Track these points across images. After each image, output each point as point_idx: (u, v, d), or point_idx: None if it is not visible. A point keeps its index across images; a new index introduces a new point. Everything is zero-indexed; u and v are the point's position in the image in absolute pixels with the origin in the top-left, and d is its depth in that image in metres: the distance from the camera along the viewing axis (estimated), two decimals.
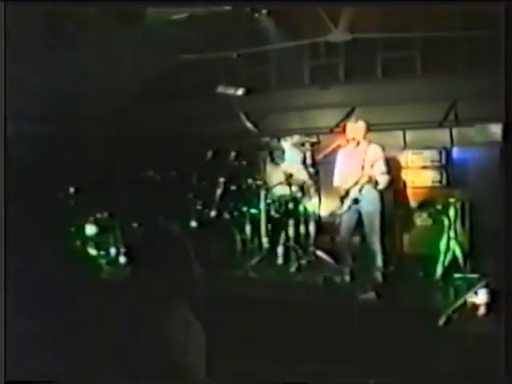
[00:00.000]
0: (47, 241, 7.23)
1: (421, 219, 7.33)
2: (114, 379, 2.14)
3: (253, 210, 7.75)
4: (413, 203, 7.44)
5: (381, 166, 6.29)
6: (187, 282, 2.26)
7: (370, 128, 6.53)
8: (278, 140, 8.46)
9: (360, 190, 6.28)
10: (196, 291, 2.26)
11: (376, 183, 6.26)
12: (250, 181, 7.87)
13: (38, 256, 6.66)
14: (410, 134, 7.76)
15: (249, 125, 8.99)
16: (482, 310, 5.03)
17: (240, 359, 3.89)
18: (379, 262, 6.35)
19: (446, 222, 6.40)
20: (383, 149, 6.46)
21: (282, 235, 7.47)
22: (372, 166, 6.24)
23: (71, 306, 4.94)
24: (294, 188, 7.43)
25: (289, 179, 7.44)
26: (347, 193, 6.35)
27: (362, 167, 6.28)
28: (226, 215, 7.87)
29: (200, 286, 2.28)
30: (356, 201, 6.30)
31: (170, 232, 2.69)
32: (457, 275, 6.24)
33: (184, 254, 2.35)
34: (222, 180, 7.86)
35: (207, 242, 7.10)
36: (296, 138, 8.28)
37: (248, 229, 7.79)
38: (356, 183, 6.28)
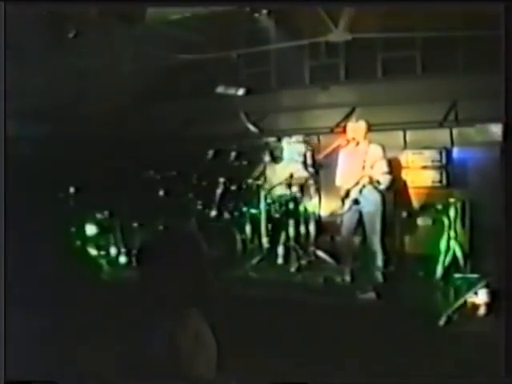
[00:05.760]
0: (47, 241, 7.23)
1: (421, 219, 7.33)
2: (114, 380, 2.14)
3: (253, 210, 7.75)
4: (413, 203, 7.44)
5: (383, 166, 6.27)
6: (201, 288, 2.23)
7: (370, 128, 6.53)
8: (278, 140, 8.46)
9: (360, 191, 6.28)
10: (210, 298, 2.23)
11: (377, 183, 6.25)
12: (249, 181, 7.87)
13: (38, 256, 6.66)
14: (410, 134, 7.76)
15: (249, 125, 8.99)
16: (482, 310, 5.04)
17: (240, 359, 3.89)
18: (379, 261, 6.35)
19: (446, 221, 6.40)
20: (384, 148, 6.45)
21: (282, 235, 7.47)
22: (373, 167, 6.23)
23: (71, 306, 4.95)
24: (294, 188, 7.43)
25: (289, 179, 7.43)
26: (348, 193, 6.35)
27: (363, 167, 6.27)
28: (226, 215, 7.87)
29: (214, 293, 2.26)
30: (356, 201, 6.30)
31: (184, 233, 2.64)
32: (457, 275, 6.24)
33: (198, 257, 2.32)
34: (221, 180, 7.86)
35: (207, 242, 7.09)
36: (296, 138, 8.28)
37: (248, 229, 7.79)
38: (357, 183, 6.28)
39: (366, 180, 6.24)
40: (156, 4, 7.20)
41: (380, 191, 6.31)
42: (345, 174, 6.54)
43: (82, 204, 8.05)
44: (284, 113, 8.73)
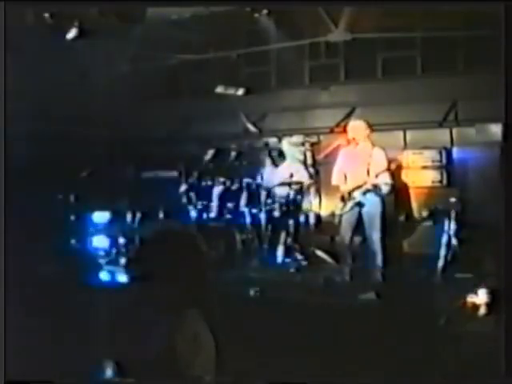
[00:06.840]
0: (47, 241, 7.23)
1: (421, 219, 7.33)
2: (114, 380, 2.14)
3: (253, 210, 7.74)
4: (413, 203, 7.44)
5: (386, 177, 6.27)
6: (201, 288, 2.23)
7: (370, 128, 6.51)
8: (278, 140, 8.46)
9: (364, 194, 6.28)
10: (210, 298, 2.23)
11: (379, 189, 6.26)
12: (249, 181, 7.86)
13: (37, 256, 6.66)
14: (410, 134, 7.77)
15: (249, 125, 8.99)
16: (482, 310, 5.03)
17: (240, 359, 3.89)
18: (379, 261, 6.34)
19: (446, 221, 6.40)
20: (386, 154, 6.42)
21: (282, 235, 7.46)
22: (377, 176, 6.21)
23: (71, 306, 4.95)
24: (294, 188, 7.42)
25: (289, 179, 7.43)
26: (350, 195, 6.33)
27: (367, 171, 6.25)
28: (226, 215, 7.86)
29: (213, 293, 2.26)
30: (359, 204, 6.30)
31: (183, 233, 2.66)
32: (457, 275, 6.24)
33: (197, 258, 2.33)
34: (221, 180, 7.86)
35: (207, 242, 7.09)
36: (296, 138, 8.27)
37: (248, 229, 7.78)
38: (359, 187, 6.27)
39: (368, 186, 6.23)
40: (156, 4, 7.21)
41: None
42: (342, 174, 6.55)
43: (82, 204, 8.04)
44: (284, 113, 8.73)
